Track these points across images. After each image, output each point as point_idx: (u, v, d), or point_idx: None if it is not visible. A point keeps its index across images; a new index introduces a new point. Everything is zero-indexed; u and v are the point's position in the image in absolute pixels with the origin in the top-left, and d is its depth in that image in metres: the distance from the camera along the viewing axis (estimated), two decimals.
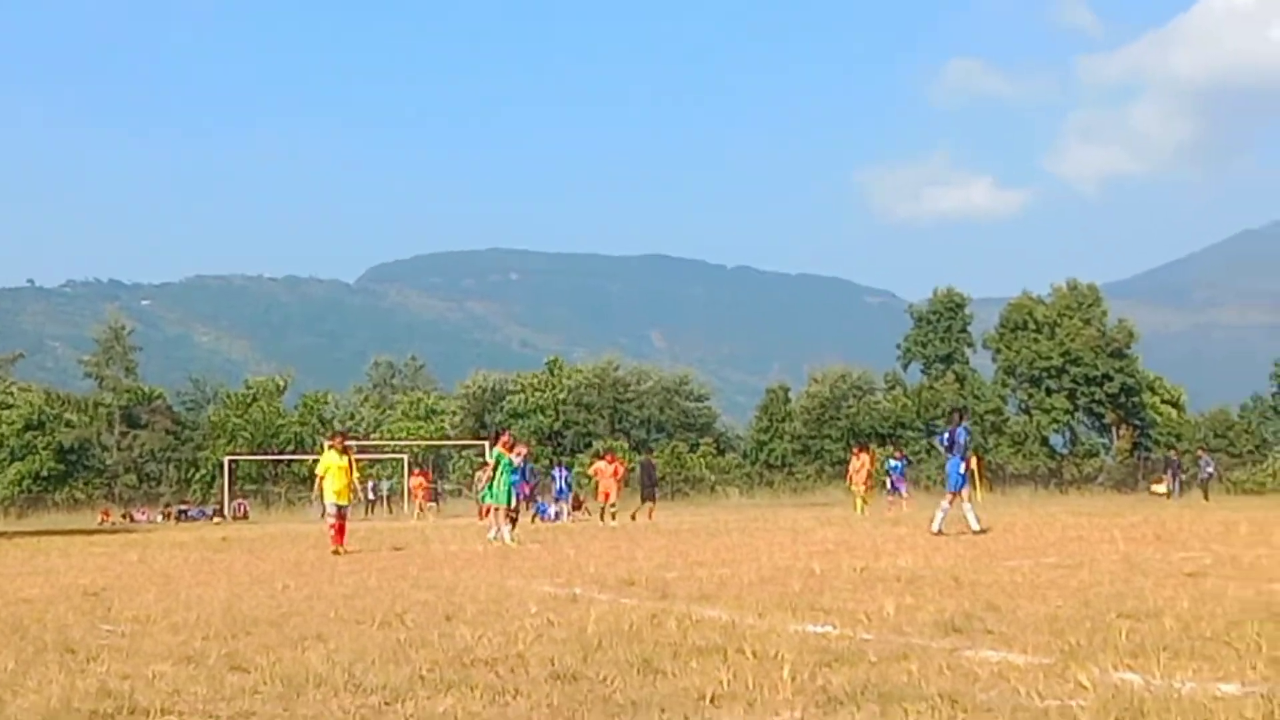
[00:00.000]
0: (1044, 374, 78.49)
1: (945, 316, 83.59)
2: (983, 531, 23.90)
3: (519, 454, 27.21)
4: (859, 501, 41.02)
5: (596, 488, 39.37)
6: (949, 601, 11.30)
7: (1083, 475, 72.09)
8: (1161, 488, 53.76)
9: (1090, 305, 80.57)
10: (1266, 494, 56.53)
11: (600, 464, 39.08)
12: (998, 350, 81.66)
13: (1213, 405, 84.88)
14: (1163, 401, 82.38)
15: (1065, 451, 79.14)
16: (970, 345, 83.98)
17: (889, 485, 46.46)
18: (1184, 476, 57.89)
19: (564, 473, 46.99)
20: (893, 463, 46.29)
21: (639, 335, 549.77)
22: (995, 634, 9.13)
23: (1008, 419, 79.72)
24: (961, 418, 26.35)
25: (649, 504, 38.97)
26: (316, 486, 24.64)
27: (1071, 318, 79.29)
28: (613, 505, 36.89)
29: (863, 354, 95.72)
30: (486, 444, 57.79)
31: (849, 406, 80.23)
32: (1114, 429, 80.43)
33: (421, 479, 57.30)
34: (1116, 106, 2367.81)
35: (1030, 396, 79.34)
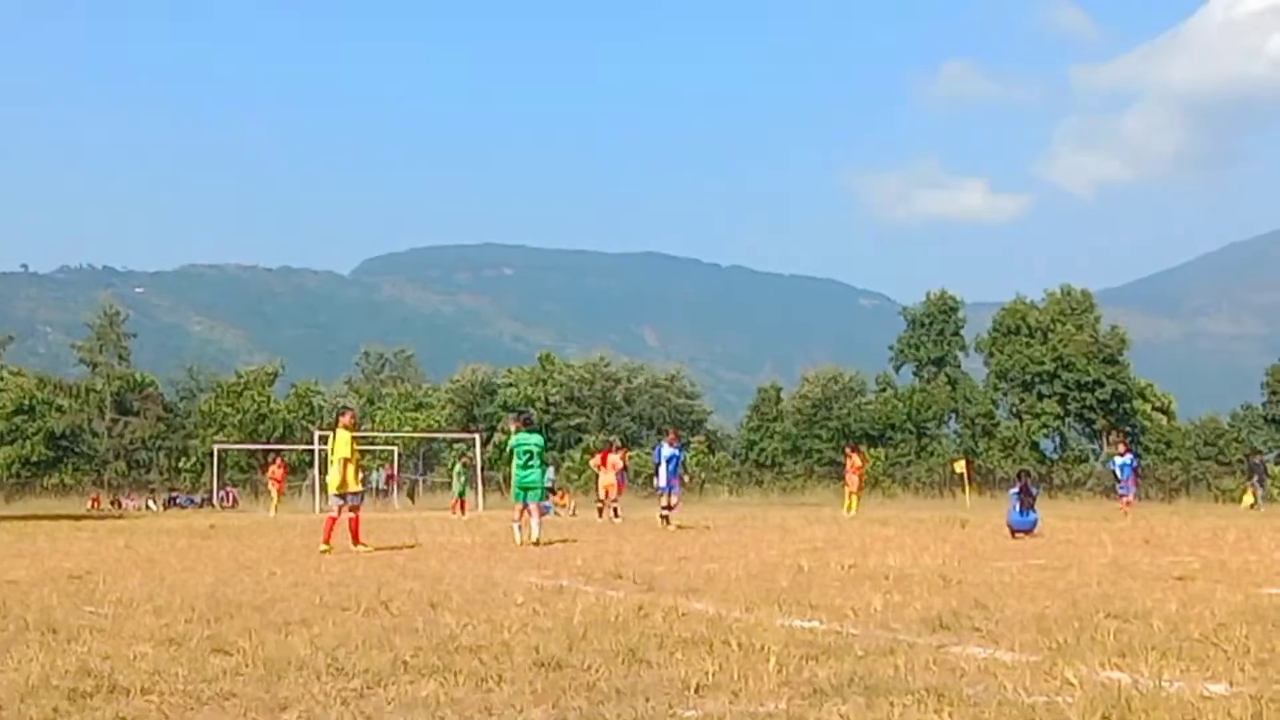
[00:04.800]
0: (1036, 379, 78.62)
1: (938, 320, 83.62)
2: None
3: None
4: (853, 500, 40.63)
5: (598, 482, 38.25)
6: (936, 599, 11.26)
7: (1072, 480, 72.13)
8: (1249, 499, 49.55)
9: (1083, 311, 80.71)
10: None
11: (611, 457, 37.65)
12: (990, 354, 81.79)
13: (1203, 414, 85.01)
14: (1153, 409, 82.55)
15: (1055, 456, 79.21)
16: (963, 349, 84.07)
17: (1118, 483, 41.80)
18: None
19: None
20: (1118, 460, 41.45)
21: (631, 332, 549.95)
22: (982, 631, 9.09)
23: (999, 423, 79.80)
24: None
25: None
26: (340, 472, 20.85)
27: (1064, 323, 79.42)
28: (614, 500, 35.87)
29: (855, 356, 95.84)
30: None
31: (840, 407, 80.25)
32: (1104, 435, 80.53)
33: (278, 468, 54.56)
34: (1111, 114, 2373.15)
35: (1022, 401, 79.45)
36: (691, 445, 78.54)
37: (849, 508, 40.59)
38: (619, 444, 41.85)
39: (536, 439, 22.35)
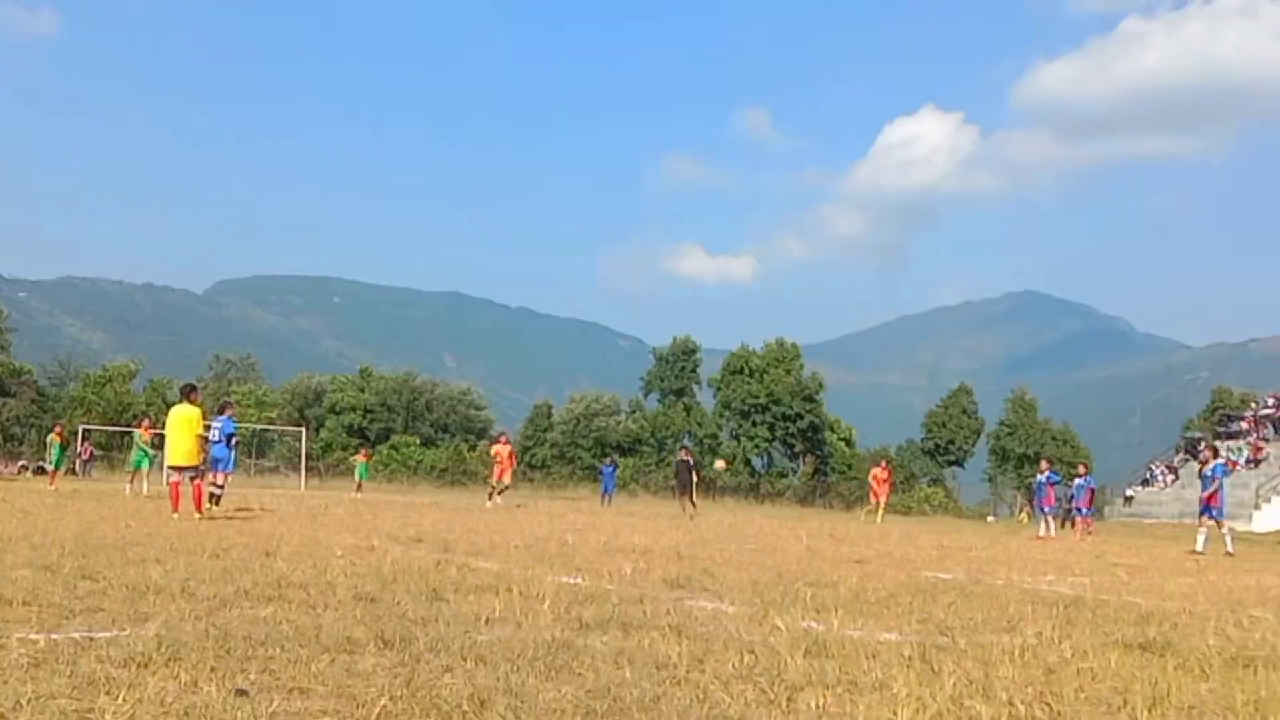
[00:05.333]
0: (752, 409, 79.92)
1: (680, 359, 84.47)
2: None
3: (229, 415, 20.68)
4: (880, 509, 37.25)
5: (493, 468, 35.63)
6: (674, 567, 11.38)
7: (776, 490, 73.55)
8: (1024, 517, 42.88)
9: (791, 359, 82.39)
10: (913, 515, 58.49)
11: (497, 446, 36.01)
12: (719, 389, 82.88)
13: (876, 445, 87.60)
14: (839, 439, 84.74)
15: (763, 471, 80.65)
16: (698, 383, 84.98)
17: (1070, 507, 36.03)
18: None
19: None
20: (1077, 481, 35.35)
21: (435, 355, 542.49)
22: (710, 590, 9.23)
23: (722, 443, 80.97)
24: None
25: (686, 498, 34.91)
26: (187, 445, 18.28)
27: (777, 368, 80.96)
28: (503, 486, 33.31)
29: (613, 384, 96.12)
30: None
31: (599, 423, 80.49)
32: (801, 456, 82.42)
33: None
34: (809, 207, 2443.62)
35: (740, 426, 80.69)
36: (480, 447, 77.98)
37: (879, 517, 36.58)
38: (507, 437, 39.22)
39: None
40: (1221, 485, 24.59)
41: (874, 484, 37.83)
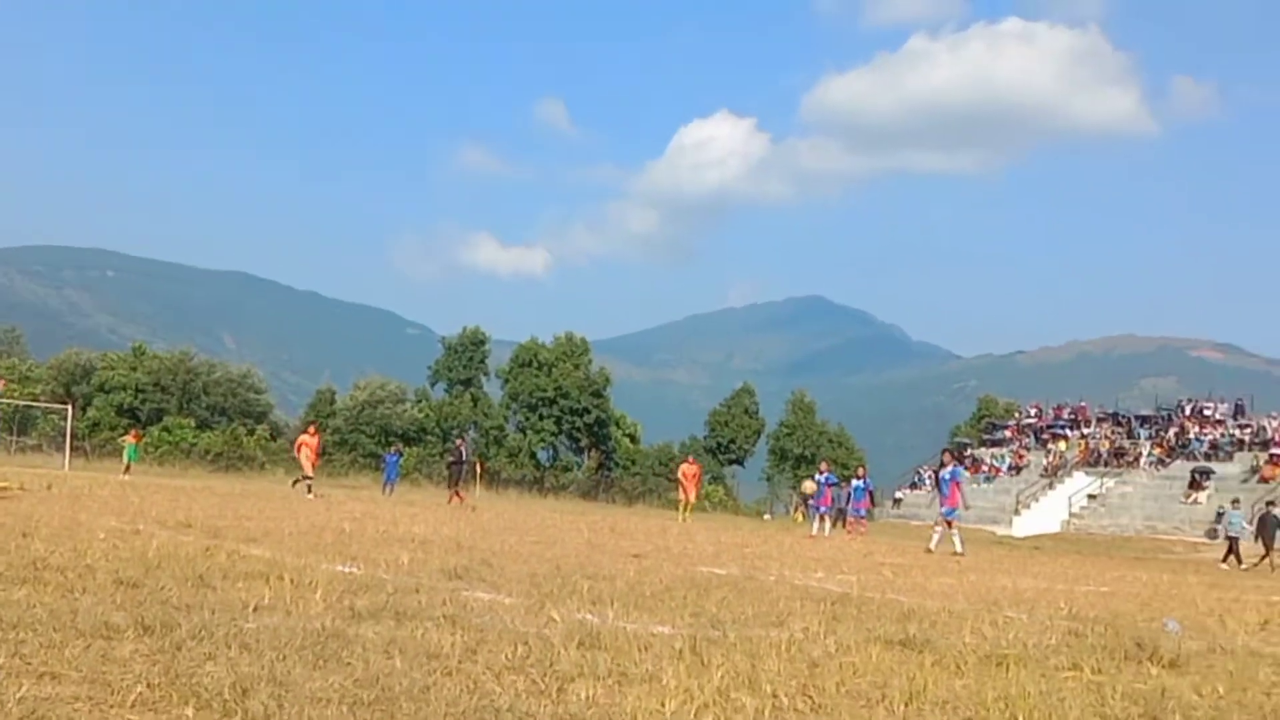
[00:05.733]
0: (540, 403, 80.00)
1: (469, 350, 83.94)
2: None
3: None
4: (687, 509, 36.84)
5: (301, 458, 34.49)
6: (452, 558, 11.31)
7: (560, 484, 73.77)
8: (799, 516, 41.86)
9: (580, 354, 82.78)
10: (693, 512, 59.36)
11: (304, 436, 34.93)
12: (506, 380, 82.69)
13: (660, 441, 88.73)
14: (624, 434, 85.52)
15: (548, 464, 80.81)
16: (486, 374, 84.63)
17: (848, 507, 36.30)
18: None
19: None
20: (855, 483, 36.68)
21: (214, 336, 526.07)
22: (488, 582, 9.20)
23: (508, 435, 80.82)
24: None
25: (455, 490, 34.98)
26: None
27: (565, 362, 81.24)
28: (309, 477, 32.67)
29: (400, 372, 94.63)
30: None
31: (384, 411, 79.32)
32: (586, 451, 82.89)
33: None
34: (603, 203, 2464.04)
35: (527, 419, 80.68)
36: (258, 432, 75.87)
37: (686, 515, 36.26)
38: (316, 427, 38.12)
39: None
40: (960, 489, 25.95)
41: (684, 480, 37.89)
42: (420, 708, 4.36)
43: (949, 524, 25.15)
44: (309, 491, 31.49)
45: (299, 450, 33.99)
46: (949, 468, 25.90)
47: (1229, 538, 35.30)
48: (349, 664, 5.04)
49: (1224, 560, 34.43)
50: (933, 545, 24.71)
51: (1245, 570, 31.33)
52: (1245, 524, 35.82)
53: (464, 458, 35.77)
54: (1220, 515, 46.75)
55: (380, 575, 8.99)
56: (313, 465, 33.46)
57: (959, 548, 24.31)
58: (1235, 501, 39.34)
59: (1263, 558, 33.72)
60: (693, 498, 37.87)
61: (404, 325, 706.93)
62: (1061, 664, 6.58)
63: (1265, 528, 34.25)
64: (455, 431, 70.75)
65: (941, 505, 25.83)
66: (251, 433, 75.62)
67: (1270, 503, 38.06)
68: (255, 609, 6.47)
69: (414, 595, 7.64)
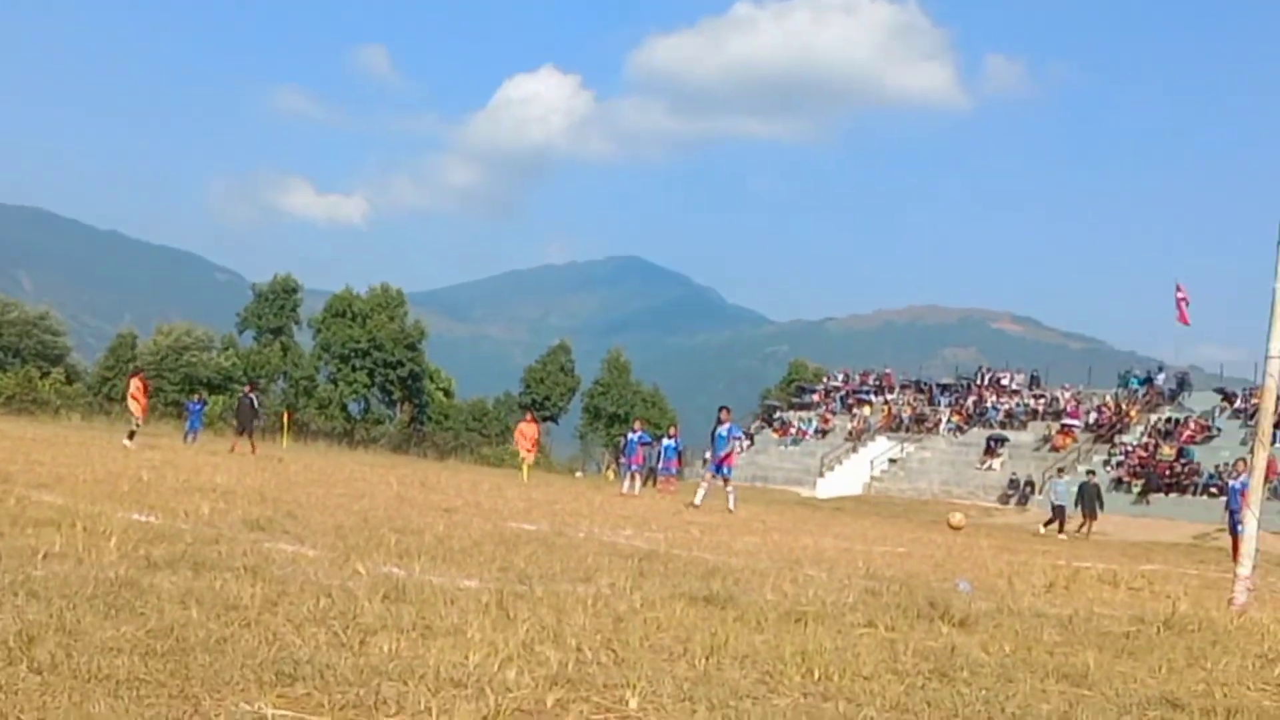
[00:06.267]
0: (353, 354, 78.77)
1: (281, 298, 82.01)
2: None
3: None
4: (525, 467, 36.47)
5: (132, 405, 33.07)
6: (255, 509, 11.07)
7: (370, 437, 72.82)
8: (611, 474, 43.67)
9: (396, 306, 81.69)
10: (506, 467, 59.24)
11: (134, 382, 33.29)
12: (319, 330, 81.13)
13: (474, 396, 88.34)
14: (438, 388, 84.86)
15: (359, 417, 79.70)
16: (298, 323, 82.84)
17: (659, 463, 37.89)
18: None
19: None
20: (666, 442, 37.80)
21: (9, 276, 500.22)
22: (292, 534, 9.04)
23: (319, 385, 79.39)
24: None
25: (245, 436, 34.22)
26: None
27: (380, 314, 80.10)
28: (138, 422, 31.90)
29: (207, 318, 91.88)
30: None
31: (189, 358, 76.96)
32: (399, 404, 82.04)
33: None
34: (424, 154, 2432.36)
35: (339, 370, 79.34)
36: (54, 375, 72.85)
37: (525, 474, 35.40)
38: (144, 376, 36.62)
39: None
40: (736, 446, 26.45)
41: (519, 438, 37.60)
42: (216, 659, 4.27)
43: (725, 482, 25.43)
44: (130, 438, 30.67)
45: (131, 399, 32.90)
46: (726, 425, 26.20)
47: (1054, 506, 36.35)
48: (142, 614, 4.90)
49: (1045, 526, 35.58)
50: (731, 505, 24.82)
51: (1065, 539, 32.21)
52: (1069, 492, 36.65)
53: (255, 406, 35.13)
54: (1015, 482, 48.91)
55: (179, 525, 8.76)
56: (142, 413, 32.56)
57: (731, 505, 24.57)
58: (1061, 470, 40.95)
59: (1081, 525, 35.11)
60: (530, 457, 37.53)
61: (212, 269, 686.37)
62: (857, 621, 6.80)
63: (1085, 497, 35.64)
64: (248, 380, 69.01)
65: (713, 462, 26.08)
66: (46, 375, 72.69)
67: (1090, 471, 39.87)
68: (45, 556, 6.23)
69: (214, 546, 7.46)
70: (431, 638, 5.06)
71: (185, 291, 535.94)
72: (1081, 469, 43.76)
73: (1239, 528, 26.84)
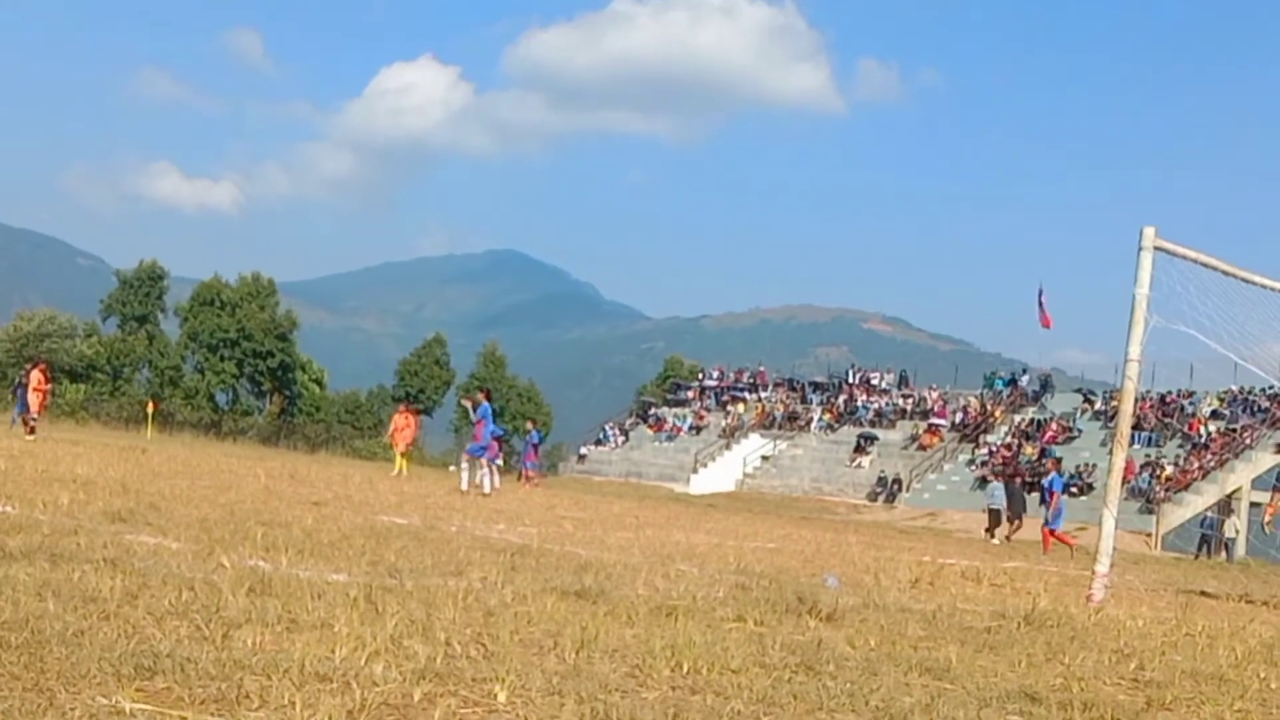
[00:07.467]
0: (221, 344, 77.28)
1: (146, 284, 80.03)
2: None
3: None
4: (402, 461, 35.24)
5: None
6: (117, 500, 10.80)
7: (239, 429, 71.49)
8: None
9: (267, 295, 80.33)
10: (378, 460, 58.61)
11: (35, 374, 31.85)
12: (186, 319, 79.40)
13: (347, 389, 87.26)
14: (310, 379, 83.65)
15: (227, 408, 78.20)
16: (164, 311, 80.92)
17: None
18: None
19: None
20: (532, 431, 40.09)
21: None
22: (154, 526, 8.84)
23: (185, 375, 77.68)
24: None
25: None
26: None
27: (251, 303, 78.68)
28: (35, 417, 30.65)
29: (69, 305, 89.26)
30: None
31: (50, 345, 74.71)
32: (269, 395, 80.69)
33: None
34: (296, 141, 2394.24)
35: (207, 360, 77.76)
36: None
37: (400, 468, 34.06)
38: (46, 365, 34.97)
39: None
40: (484, 427, 26.33)
41: (395, 430, 36.94)
42: (73, 651, 4.15)
43: (484, 463, 25.23)
44: (31, 432, 29.82)
45: (32, 391, 31.66)
46: (483, 405, 26.11)
47: (991, 510, 35.36)
48: None
49: (987, 531, 34.54)
50: (486, 488, 24.31)
51: (998, 544, 31.60)
52: (1004, 496, 35.53)
53: (48, 384, 33.80)
54: (884, 480, 49.82)
55: (36, 516, 8.50)
56: (39, 408, 31.56)
57: (486, 488, 24.32)
58: (997, 474, 41.37)
59: (1010, 528, 34.64)
60: (402, 449, 36.71)
61: (74, 255, 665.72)
62: (727, 615, 6.87)
63: (1012, 499, 35.19)
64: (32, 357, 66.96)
65: (480, 446, 25.82)
66: None
67: (1013, 475, 40.28)
68: None
69: (72, 537, 7.26)
70: (297, 631, 4.99)
71: (45, 276, 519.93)
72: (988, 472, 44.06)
73: (1055, 522, 27.86)
